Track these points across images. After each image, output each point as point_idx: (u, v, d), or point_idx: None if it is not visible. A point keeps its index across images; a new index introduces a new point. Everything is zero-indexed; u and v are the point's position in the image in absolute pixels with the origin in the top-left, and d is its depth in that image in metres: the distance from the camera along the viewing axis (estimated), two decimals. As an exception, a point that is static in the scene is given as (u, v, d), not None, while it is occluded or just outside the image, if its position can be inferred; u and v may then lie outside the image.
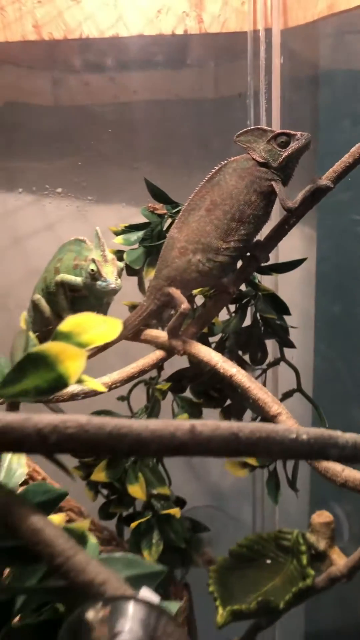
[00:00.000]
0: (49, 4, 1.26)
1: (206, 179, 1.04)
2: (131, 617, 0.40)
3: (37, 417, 0.41)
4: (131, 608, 0.40)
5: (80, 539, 0.55)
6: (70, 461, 1.23)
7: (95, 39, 1.30)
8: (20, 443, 0.40)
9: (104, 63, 1.45)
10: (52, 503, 0.59)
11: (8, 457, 0.62)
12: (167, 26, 1.28)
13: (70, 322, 0.50)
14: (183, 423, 0.45)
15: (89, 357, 1.15)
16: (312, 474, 1.67)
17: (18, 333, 1.29)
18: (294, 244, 1.71)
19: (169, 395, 1.29)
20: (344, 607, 1.85)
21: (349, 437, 0.54)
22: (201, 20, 1.27)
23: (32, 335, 0.55)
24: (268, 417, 0.96)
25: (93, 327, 0.50)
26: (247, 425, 0.47)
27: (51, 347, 0.46)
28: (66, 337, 0.50)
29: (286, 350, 1.27)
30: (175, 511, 1.14)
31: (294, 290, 1.75)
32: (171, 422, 0.45)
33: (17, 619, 0.56)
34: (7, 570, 0.56)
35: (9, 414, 0.40)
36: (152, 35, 1.29)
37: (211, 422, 0.47)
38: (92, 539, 0.58)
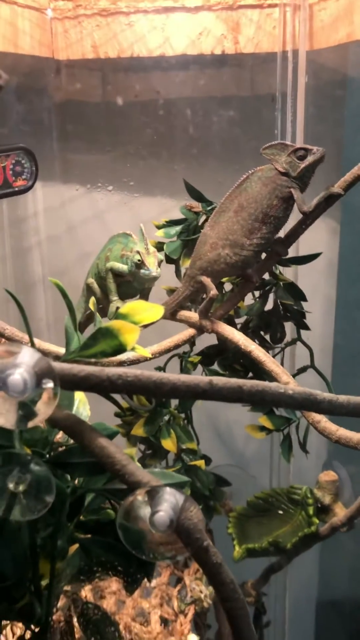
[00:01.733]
0: (106, 27, 1.45)
1: (235, 185, 1.22)
2: (166, 500, 0.61)
3: (107, 369, 0.62)
4: (166, 494, 0.61)
5: (129, 460, 0.76)
6: (113, 421, 1.45)
7: (144, 57, 1.49)
8: (98, 385, 0.61)
9: (148, 65, 1.64)
10: (109, 437, 0.81)
11: (76, 402, 0.84)
12: (207, 47, 1.46)
13: (128, 307, 0.71)
14: (205, 378, 0.66)
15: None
16: (327, 441, 1.87)
17: (76, 305, 1.51)
18: (320, 237, 1.88)
19: (199, 368, 1.49)
20: (355, 575, 2.04)
21: (326, 395, 0.74)
22: (237, 42, 1.44)
23: (98, 316, 0.76)
24: (279, 386, 1.16)
25: (143, 311, 0.71)
26: (249, 381, 0.68)
27: (115, 323, 0.67)
28: (124, 317, 0.71)
29: (305, 332, 1.45)
30: (201, 463, 1.35)
31: (318, 278, 1.92)
32: (197, 377, 0.65)
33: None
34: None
35: (91, 366, 0.62)
36: (193, 54, 1.48)
37: (224, 378, 0.67)
38: (137, 463, 0.80)
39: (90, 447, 0.68)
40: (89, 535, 0.77)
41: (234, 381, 0.66)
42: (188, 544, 0.64)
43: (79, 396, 0.86)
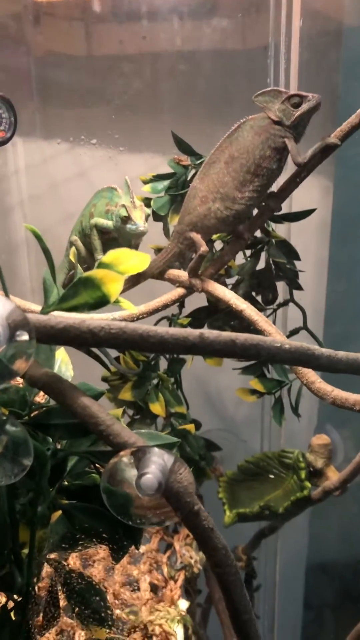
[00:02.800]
0: (87, -35, 1.36)
1: (226, 135, 1.15)
2: (153, 461, 0.56)
3: (89, 320, 0.56)
4: (153, 455, 0.57)
5: (115, 422, 0.71)
6: (100, 386, 1.40)
7: (126, 1, 1.39)
8: (78, 338, 0.56)
9: (135, 15, 1.54)
10: (93, 398, 0.76)
11: (58, 362, 0.78)
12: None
13: (111, 255, 0.65)
14: (194, 330, 0.60)
15: (124, 290, 1.31)
16: (320, 404, 1.84)
17: (60, 265, 1.45)
18: (312, 195, 1.81)
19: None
20: (345, 539, 2.04)
21: (324, 350, 0.69)
22: (228, -19, 1.35)
23: (80, 268, 0.70)
24: (272, 346, 1.11)
25: (128, 260, 0.65)
26: (242, 335, 0.63)
27: (97, 272, 0.62)
28: (107, 266, 0.65)
29: (297, 293, 1.41)
30: (191, 427, 1.31)
31: (310, 237, 1.87)
32: (186, 329, 0.60)
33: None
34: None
35: (70, 317, 0.56)
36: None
37: (216, 331, 0.62)
38: (123, 424, 0.75)
39: (72, 407, 0.63)
40: (74, 501, 0.73)
41: (227, 334, 0.61)
42: (178, 508, 0.60)
43: (61, 356, 0.81)
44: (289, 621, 2.06)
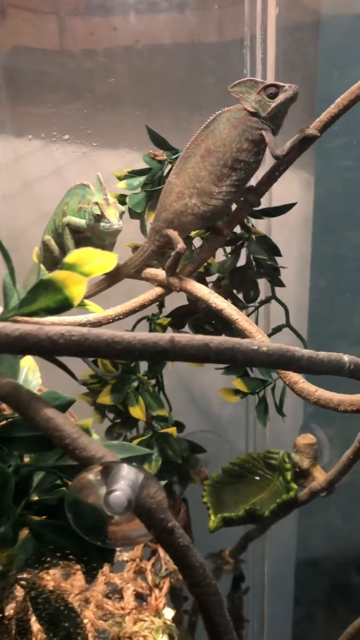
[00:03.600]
0: None
1: (202, 128, 1.11)
2: (122, 478, 0.52)
3: (48, 327, 0.52)
4: (122, 471, 0.53)
5: (85, 432, 0.67)
6: (79, 389, 1.36)
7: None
8: (36, 346, 0.51)
9: (108, 8, 1.49)
10: (62, 407, 0.71)
11: (25, 369, 0.74)
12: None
13: (74, 255, 0.61)
14: (165, 335, 0.56)
15: (99, 291, 1.27)
16: (305, 403, 1.81)
17: (29, 272, 1.41)
18: (292, 189, 1.77)
19: (169, 330, 1.40)
20: (333, 535, 2.02)
21: (305, 352, 0.66)
22: (201, -29, 1.31)
23: (42, 266, 0.66)
24: (254, 346, 1.07)
25: (93, 260, 0.61)
26: (217, 338, 0.59)
27: (58, 274, 0.57)
28: (70, 267, 0.60)
29: (280, 289, 1.37)
30: (172, 430, 1.27)
31: (291, 232, 1.83)
32: (155, 334, 0.56)
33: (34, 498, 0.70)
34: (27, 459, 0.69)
35: (27, 324, 0.52)
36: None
37: (188, 335, 0.58)
38: (95, 435, 0.71)
39: (35, 420, 0.58)
40: (44, 517, 0.68)
41: (200, 338, 0.57)
42: (151, 525, 0.56)
43: (28, 362, 0.76)
44: (278, 622, 2.03)
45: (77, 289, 0.57)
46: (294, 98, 1.06)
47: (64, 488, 0.68)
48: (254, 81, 1.09)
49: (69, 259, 0.61)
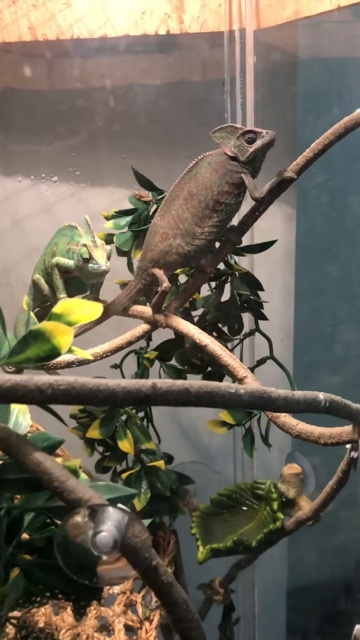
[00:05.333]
0: (43, 7, 1.36)
1: (185, 171, 1.16)
2: (109, 520, 0.55)
3: (37, 377, 0.56)
4: (108, 512, 0.56)
5: (73, 473, 0.70)
6: (69, 423, 1.38)
7: (85, 39, 1.41)
8: (25, 396, 0.54)
9: (94, 52, 1.55)
10: (51, 448, 0.74)
11: (15, 412, 0.77)
12: (151, 27, 1.39)
13: (61, 306, 0.65)
14: (147, 381, 0.60)
15: (88, 329, 1.30)
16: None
17: (20, 311, 1.45)
18: (275, 223, 1.83)
19: (157, 363, 1.44)
20: (324, 561, 2.03)
21: (281, 392, 0.69)
22: (182, 21, 1.38)
23: (32, 314, 0.69)
24: (237, 380, 1.11)
25: (79, 309, 0.65)
26: (197, 382, 0.62)
27: (47, 325, 0.61)
28: (58, 317, 0.64)
29: (263, 322, 1.41)
30: (160, 463, 1.30)
31: (275, 266, 1.88)
32: (138, 380, 0.59)
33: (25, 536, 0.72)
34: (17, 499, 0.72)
35: (17, 375, 0.55)
36: (137, 35, 1.41)
37: (169, 380, 0.61)
38: (83, 475, 0.74)
39: (25, 464, 0.61)
40: (35, 555, 0.71)
41: (180, 383, 0.61)
42: (136, 564, 0.58)
43: (18, 405, 0.79)
44: (271, 652, 2.03)
45: (64, 339, 0.61)
46: (271, 143, 1.12)
47: (53, 527, 0.71)
48: (234, 127, 1.14)
49: (56, 309, 0.65)
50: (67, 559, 0.56)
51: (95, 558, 0.56)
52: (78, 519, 0.56)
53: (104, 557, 0.56)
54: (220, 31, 1.41)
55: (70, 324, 0.64)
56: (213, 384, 0.62)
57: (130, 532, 0.57)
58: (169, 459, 1.50)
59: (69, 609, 1.28)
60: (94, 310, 0.66)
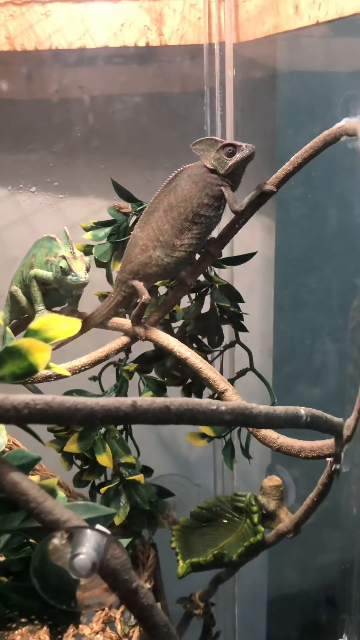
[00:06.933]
0: (21, 17, 1.36)
1: (165, 183, 1.16)
2: (87, 542, 0.54)
3: (13, 396, 0.54)
4: (87, 535, 0.54)
5: (50, 492, 0.68)
6: (47, 437, 1.36)
7: (64, 50, 1.40)
8: (1, 416, 0.53)
9: (73, 61, 1.55)
10: (28, 466, 0.73)
11: (-9, 430, 0.75)
12: (130, 39, 1.39)
13: (39, 322, 0.64)
14: (127, 399, 0.59)
15: (66, 342, 1.28)
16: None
17: (4, 310, 1.41)
18: (255, 234, 1.84)
19: (136, 375, 1.42)
20: (304, 572, 2.03)
21: (262, 408, 0.69)
22: (161, 34, 1.38)
23: (8, 330, 0.68)
24: (217, 393, 1.11)
25: (57, 326, 0.63)
26: (177, 400, 0.61)
27: (23, 342, 0.60)
28: (35, 333, 0.63)
29: (243, 334, 1.41)
30: (140, 477, 1.28)
31: (255, 277, 1.89)
32: (117, 399, 0.58)
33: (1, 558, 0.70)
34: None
35: (-8, 394, 0.54)
36: (116, 46, 1.40)
37: (149, 398, 0.60)
38: (61, 494, 0.72)
39: (2, 484, 0.60)
40: (10, 578, 0.69)
41: (161, 401, 0.60)
42: (115, 586, 0.57)
43: (-5, 421, 0.77)
44: (251, 665, 2.01)
45: (41, 356, 0.59)
46: (250, 157, 1.12)
47: (29, 547, 0.69)
48: (214, 140, 1.14)
49: (33, 325, 0.64)
50: (44, 583, 0.55)
51: (73, 582, 0.55)
52: (56, 541, 0.54)
53: (82, 581, 0.55)
54: (200, 44, 1.42)
55: (47, 340, 0.63)
56: (194, 401, 0.61)
57: (110, 553, 0.56)
58: (148, 471, 1.49)
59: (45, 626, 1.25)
60: (72, 326, 0.65)
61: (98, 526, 0.58)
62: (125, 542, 0.63)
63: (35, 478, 0.79)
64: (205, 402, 0.62)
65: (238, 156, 1.11)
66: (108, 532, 0.58)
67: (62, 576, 0.55)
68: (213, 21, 1.38)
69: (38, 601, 0.63)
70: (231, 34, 1.39)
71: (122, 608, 1.35)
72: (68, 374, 0.91)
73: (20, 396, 0.54)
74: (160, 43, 1.39)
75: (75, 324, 0.65)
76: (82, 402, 0.56)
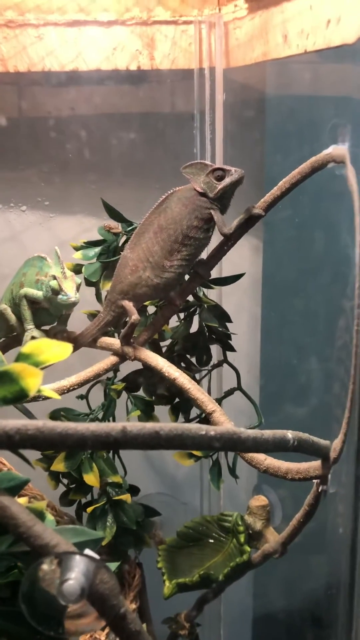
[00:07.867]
0: (14, 39, 1.37)
1: (155, 205, 1.18)
2: (76, 568, 0.54)
3: (4, 422, 0.55)
4: (76, 561, 0.55)
5: (39, 515, 0.69)
6: (33, 454, 1.36)
7: (56, 72, 1.42)
8: (-7, 441, 0.54)
9: (65, 79, 1.57)
10: (16, 488, 0.73)
11: (-20, 451, 0.75)
12: (122, 62, 1.42)
13: (30, 346, 0.64)
14: (117, 425, 0.59)
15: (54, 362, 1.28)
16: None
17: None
18: (243, 254, 1.86)
19: (124, 394, 1.43)
20: (289, 590, 2.02)
21: (250, 432, 0.70)
22: (153, 58, 1.41)
23: (1, 355, 0.69)
24: (205, 414, 1.11)
25: (48, 350, 0.64)
26: (167, 425, 0.62)
27: (15, 367, 0.60)
28: (26, 358, 0.64)
29: (231, 353, 1.42)
30: (126, 497, 1.28)
31: (243, 296, 1.90)
32: (108, 424, 0.59)
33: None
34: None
35: (-16, 420, 0.54)
36: (108, 70, 1.43)
37: (139, 424, 0.61)
38: (49, 516, 0.73)
39: (-10, 508, 0.60)
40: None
41: (150, 426, 0.61)
42: (103, 612, 0.57)
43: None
44: None
45: (32, 381, 0.60)
46: (239, 181, 1.14)
47: (16, 571, 0.69)
48: (204, 164, 1.16)
49: (25, 349, 0.65)
50: (32, 610, 0.55)
51: (62, 608, 0.55)
52: (45, 567, 0.55)
53: (71, 607, 0.55)
54: (191, 68, 1.45)
55: (38, 364, 0.64)
56: (183, 427, 0.62)
57: (98, 578, 0.56)
58: (134, 490, 1.48)
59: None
60: (63, 350, 0.65)
61: (87, 551, 0.58)
62: (113, 566, 0.64)
63: (23, 500, 0.79)
64: (194, 427, 0.63)
65: (227, 180, 1.13)
66: (97, 556, 0.58)
67: (51, 602, 0.55)
68: (204, 47, 1.42)
69: (26, 627, 0.63)
70: (221, 59, 1.42)
71: (107, 630, 1.34)
72: (58, 397, 0.92)
73: (11, 422, 0.55)
74: (152, 67, 1.42)
75: (66, 348, 0.66)
76: (72, 427, 0.56)
